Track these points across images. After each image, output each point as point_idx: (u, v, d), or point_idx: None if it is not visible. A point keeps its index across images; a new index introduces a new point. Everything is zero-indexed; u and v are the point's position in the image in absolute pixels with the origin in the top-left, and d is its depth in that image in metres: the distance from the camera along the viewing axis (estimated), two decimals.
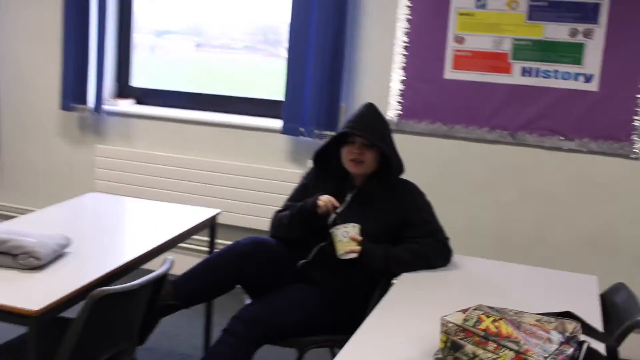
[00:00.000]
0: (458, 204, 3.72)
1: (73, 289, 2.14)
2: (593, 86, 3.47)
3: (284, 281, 2.65)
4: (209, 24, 4.44)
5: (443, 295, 2.36)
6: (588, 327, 2.08)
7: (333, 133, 3.80)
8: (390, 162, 2.65)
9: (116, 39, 4.41)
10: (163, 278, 2.35)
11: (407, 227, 2.64)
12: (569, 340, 1.87)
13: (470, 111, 3.68)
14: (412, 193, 2.73)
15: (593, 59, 3.45)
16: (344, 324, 2.66)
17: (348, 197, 2.70)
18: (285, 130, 3.94)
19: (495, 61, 3.61)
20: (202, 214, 3.05)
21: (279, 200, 3.94)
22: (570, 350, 1.84)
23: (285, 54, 3.91)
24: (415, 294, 2.35)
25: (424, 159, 3.71)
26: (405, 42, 3.72)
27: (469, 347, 1.77)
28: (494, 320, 1.83)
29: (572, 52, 3.48)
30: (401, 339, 1.99)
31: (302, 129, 3.88)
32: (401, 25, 3.72)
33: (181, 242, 2.83)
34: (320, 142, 3.80)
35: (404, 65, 3.75)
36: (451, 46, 3.66)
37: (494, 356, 1.74)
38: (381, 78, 3.80)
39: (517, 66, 3.58)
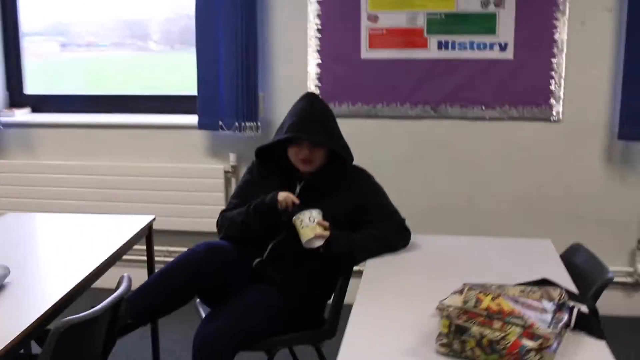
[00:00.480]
0: (387, 182, 3.63)
1: (29, 322, 1.93)
2: (508, 54, 3.54)
3: (240, 283, 2.53)
4: (71, 23, 4.18)
5: (416, 278, 2.33)
6: (566, 291, 2.11)
7: (253, 124, 3.70)
8: (339, 154, 2.60)
9: (2, 44, 4.07)
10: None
11: (363, 213, 2.59)
12: (560, 307, 1.88)
13: (391, 89, 3.67)
14: (362, 177, 2.68)
15: (506, 27, 3.51)
16: (308, 318, 2.60)
17: (297, 189, 2.61)
18: (202, 126, 3.77)
19: (410, 37, 3.60)
20: (136, 222, 2.86)
21: (206, 198, 3.81)
22: (565, 317, 1.85)
23: (155, 47, 3.77)
24: (388, 281, 2.30)
25: (348, 141, 3.63)
26: (318, 24, 3.65)
27: (475, 329, 1.74)
28: (493, 298, 1.81)
29: (485, 23, 3.53)
30: (395, 329, 1.93)
31: (220, 123, 3.73)
32: (313, 8, 3.64)
33: (124, 254, 2.64)
34: (242, 135, 3.71)
35: (319, 48, 3.68)
36: (365, 25, 3.62)
37: (502, 334, 1.72)
38: (297, 63, 3.72)
39: (432, 40, 3.59)
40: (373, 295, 2.17)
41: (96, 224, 2.88)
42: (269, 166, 2.68)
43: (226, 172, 3.83)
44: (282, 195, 2.47)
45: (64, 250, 2.57)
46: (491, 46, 3.54)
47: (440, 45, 3.58)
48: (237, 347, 2.34)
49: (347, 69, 3.67)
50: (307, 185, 2.61)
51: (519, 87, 3.56)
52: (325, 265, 2.56)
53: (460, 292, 1.95)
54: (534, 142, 3.62)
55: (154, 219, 2.93)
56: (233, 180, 3.86)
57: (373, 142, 3.73)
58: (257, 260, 2.57)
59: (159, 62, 3.96)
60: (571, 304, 1.93)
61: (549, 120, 3.57)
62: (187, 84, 3.91)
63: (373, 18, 3.60)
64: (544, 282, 2.16)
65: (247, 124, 3.69)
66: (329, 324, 2.56)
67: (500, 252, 2.58)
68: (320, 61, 3.68)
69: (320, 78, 3.70)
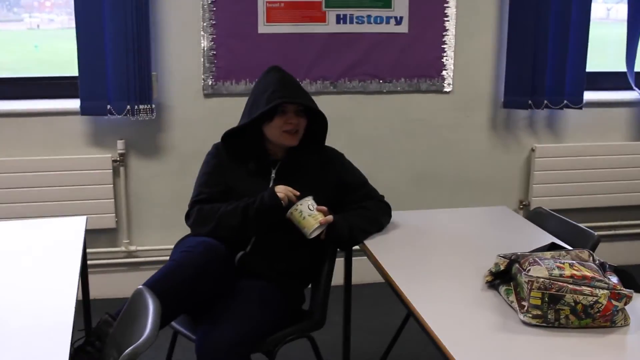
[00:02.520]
0: None
1: None
2: (403, 28, 3.60)
3: (228, 281, 2.31)
4: None
5: (424, 253, 2.31)
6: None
7: (147, 106, 3.36)
8: (318, 123, 2.50)
9: None
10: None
11: (346, 192, 2.50)
12: (604, 267, 1.98)
13: (289, 65, 3.43)
14: (336, 155, 2.60)
15: (401, 1, 3.56)
16: (295, 308, 2.46)
17: (273, 174, 2.44)
18: (86, 111, 3.34)
19: (309, 11, 3.51)
20: (71, 225, 2.47)
21: (93, 191, 3.38)
22: (614, 276, 1.95)
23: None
24: (405, 258, 2.25)
25: None
26: None
27: (569, 296, 1.77)
28: (571, 266, 1.86)
29: None
30: (466, 306, 1.91)
31: (109, 107, 3.33)
32: None
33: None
34: (130, 119, 3.34)
35: (214, 22, 3.43)
36: None
37: (595, 298, 1.77)
38: (190, 39, 3.43)
39: (331, 14, 3.53)
40: (407, 274, 2.11)
41: (23, 231, 2.44)
42: (238, 150, 2.46)
43: (114, 161, 3.44)
44: (281, 191, 2.28)
45: (15, 265, 2.14)
46: (388, 20, 3.58)
47: (338, 19, 3.53)
48: (250, 351, 2.14)
49: (244, 44, 3.47)
50: (282, 169, 2.46)
51: (414, 60, 3.65)
52: (311, 251, 2.44)
53: (512, 262, 1.97)
54: (429, 113, 3.73)
55: (87, 220, 2.55)
56: (122, 170, 3.48)
57: None
58: (240, 253, 2.37)
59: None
60: (607, 263, 2.03)
61: (442, 92, 3.71)
62: None
63: None
64: (555, 247, 2.25)
65: (141, 107, 3.35)
66: (319, 312, 2.44)
67: (472, 222, 2.64)
68: (214, 36, 3.44)
69: (215, 55, 3.46)
